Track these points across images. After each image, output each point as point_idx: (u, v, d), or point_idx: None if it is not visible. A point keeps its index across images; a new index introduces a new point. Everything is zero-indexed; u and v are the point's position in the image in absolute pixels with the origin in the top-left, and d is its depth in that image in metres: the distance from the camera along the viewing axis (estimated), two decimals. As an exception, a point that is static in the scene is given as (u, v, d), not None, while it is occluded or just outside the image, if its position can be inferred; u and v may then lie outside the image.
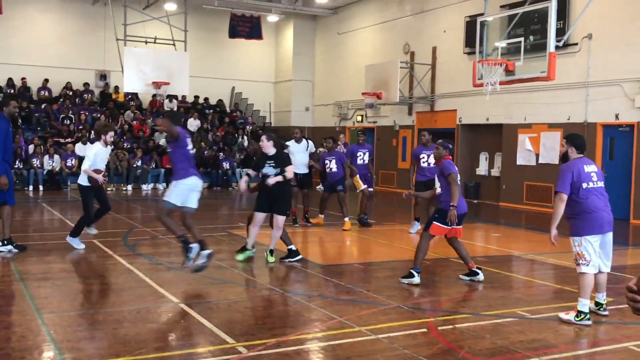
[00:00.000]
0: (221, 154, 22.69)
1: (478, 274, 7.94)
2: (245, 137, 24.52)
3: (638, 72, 14.22)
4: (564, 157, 6.46)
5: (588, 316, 6.18)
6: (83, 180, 9.57)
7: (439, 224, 7.67)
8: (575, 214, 6.25)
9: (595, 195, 6.24)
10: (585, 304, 6.18)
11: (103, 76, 25.22)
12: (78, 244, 9.61)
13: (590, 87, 15.37)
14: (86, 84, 24.68)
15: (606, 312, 6.44)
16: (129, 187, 20.27)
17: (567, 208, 6.26)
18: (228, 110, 26.88)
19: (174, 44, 20.14)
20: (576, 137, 6.54)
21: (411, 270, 7.68)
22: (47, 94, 24.03)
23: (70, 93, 24.27)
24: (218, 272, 8.19)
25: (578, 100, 15.67)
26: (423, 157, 11.69)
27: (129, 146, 21.74)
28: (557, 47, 12.74)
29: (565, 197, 6.18)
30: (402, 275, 7.81)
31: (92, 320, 6.00)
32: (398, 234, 12.10)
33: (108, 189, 19.90)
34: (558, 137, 16.14)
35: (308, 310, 6.53)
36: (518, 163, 17.31)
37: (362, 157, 12.78)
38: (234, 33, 23.69)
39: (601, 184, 6.33)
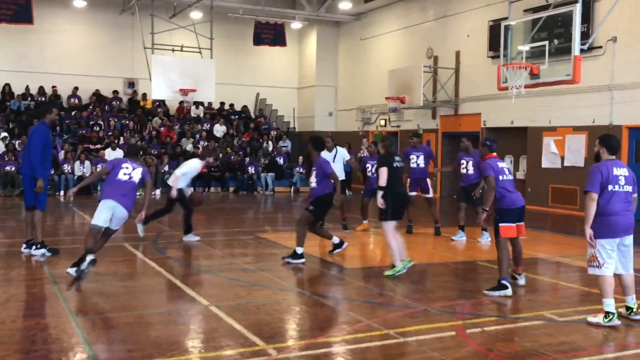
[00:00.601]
0: (247, 158, 22.92)
1: (517, 279, 7.90)
2: (270, 142, 24.74)
3: (664, 74, 14.12)
4: (597, 158, 6.51)
5: (616, 316, 6.20)
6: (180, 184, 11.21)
7: (505, 225, 7.54)
8: (594, 215, 6.25)
9: (618, 199, 6.21)
10: (609, 304, 6.20)
11: (131, 84, 25.67)
12: (192, 237, 11.10)
13: (615, 89, 15.28)
14: (115, 92, 25.14)
15: (638, 316, 6.40)
16: (158, 192, 20.55)
17: None
18: (253, 116, 27.14)
19: (200, 52, 20.44)
20: (609, 138, 6.52)
21: (501, 282, 7.40)
22: (76, 101, 24.52)
23: (99, 100, 24.74)
24: (246, 275, 8.34)
25: (603, 103, 15.59)
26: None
27: (156, 152, 22.08)
28: (581, 51, 12.72)
29: (595, 196, 6.19)
30: (489, 287, 7.52)
31: (124, 322, 6.16)
32: (422, 238, 12.13)
33: (137, 193, 20.20)
34: (583, 140, 16.07)
35: (336, 312, 6.64)
36: (543, 166, 17.25)
37: (416, 161, 12.10)
38: (258, 40, 23.97)
39: (629, 188, 6.29)
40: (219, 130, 24.54)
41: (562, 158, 16.70)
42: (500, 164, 7.82)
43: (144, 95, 25.20)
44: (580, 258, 9.84)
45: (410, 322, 6.25)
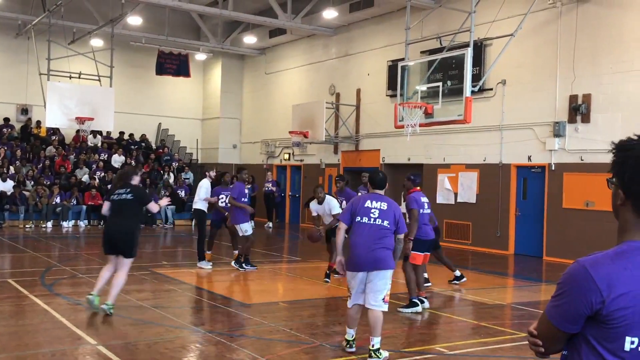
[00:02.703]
0: (146, 190, 22.30)
1: (423, 302, 8.65)
2: (172, 174, 24.27)
3: (548, 117, 15.09)
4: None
5: (351, 344, 6.39)
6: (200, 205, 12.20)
7: (417, 253, 8.48)
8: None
9: (359, 231, 6.15)
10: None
11: (24, 110, 24.53)
12: (206, 264, 11.95)
13: (504, 130, 16.17)
14: (6, 119, 23.92)
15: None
16: (49, 224, 19.64)
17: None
18: (154, 146, 26.58)
19: (99, 80, 19.90)
20: (373, 173, 6.63)
21: (412, 300, 8.32)
22: (-37, 127, 23.14)
23: (-11, 127, 23.48)
24: (138, 312, 8.08)
25: (493, 142, 16.44)
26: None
27: (49, 183, 21.13)
28: (473, 92, 13.43)
29: (344, 226, 6.28)
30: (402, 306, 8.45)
31: (4, 365, 5.81)
32: (322, 272, 12.19)
33: (27, 226, 19.27)
34: (475, 177, 16.83)
35: (230, 350, 6.54)
36: (438, 201, 17.87)
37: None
38: (161, 70, 23.65)
39: (383, 222, 6.15)
40: (117, 160, 23.84)
41: (456, 194, 17.40)
42: (423, 199, 8.69)
43: (38, 122, 24.13)
44: (472, 292, 10.24)
45: (304, 358, 6.24)
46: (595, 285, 1.87)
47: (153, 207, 8.29)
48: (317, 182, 22.18)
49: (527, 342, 2.08)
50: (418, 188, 8.86)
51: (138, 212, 8.22)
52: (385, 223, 6.13)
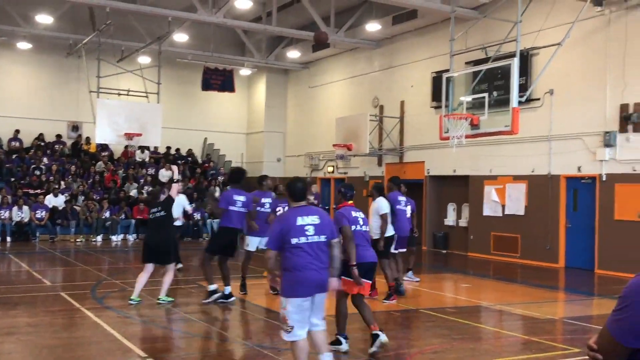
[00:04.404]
0: (192, 204, 22.63)
1: (378, 336, 6.72)
2: (218, 188, 24.56)
3: (597, 126, 14.74)
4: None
5: None
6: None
7: (347, 278, 6.57)
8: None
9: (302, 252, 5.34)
10: None
11: (75, 127, 25.23)
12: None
13: (552, 140, 15.86)
14: (58, 135, 24.65)
15: None
16: (99, 238, 20.08)
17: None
18: (200, 161, 26.98)
19: (147, 96, 20.34)
20: (289, 184, 5.65)
21: (338, 337, 6.80)
22: (18, 144, 23.92)
23: (42, 144, 24.20)
24: (186, 325, 8.16)
25: (541, 153, 16.14)
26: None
27: (99, 197, 21.63)
28: (520, 102, 13.21)
29: (273, 253, 5.40)
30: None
31: (58, 376, 5.92)
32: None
33: (78, 240, 19.75)
34: (523, 189, 16.53)
35: (277, 363, 6.53)
36: (485, 214, 17.62)
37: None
38: (206, 86, 24.02)
39: (320, 238, 5.38)
40: (165, 175, 24.24)
41: (503, 206, 17.11)
42: (354, 213, 7.03)
43: (88, 139, 24.78)
44: (522, 306, 10.03)
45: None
46: None
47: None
48: (361, 194, 22.17)
49: (580, 358, 2.02)
50: (350, 202, 7.18)
51: (171, 223, 9.97)
52: (323, 238, 5.42)
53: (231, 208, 9.51)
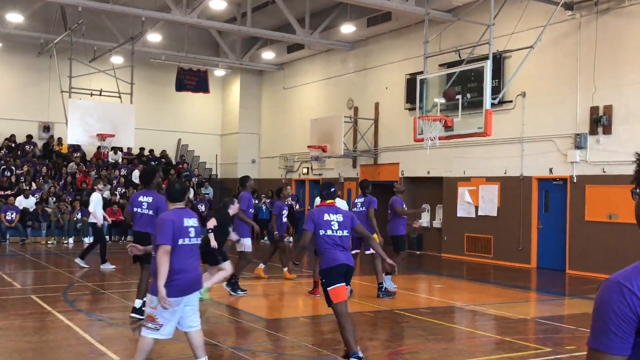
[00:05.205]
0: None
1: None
2: (192, 189, 24.38)
3: (568, 128, 14.97)
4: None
5: None
6: None
7: (333, 287, 6.30)
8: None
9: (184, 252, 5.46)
10: None
11: (47, 128, 24.86)
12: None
13: (525, 142, 16.05)
14: (29, 136, 24.25)
15: None
16: (71, 240, 19.82)
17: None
18: (174, 162, 26.78)
19: (119, 97, 20.13)
20: (170, 185, 5.92)
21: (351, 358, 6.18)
22: (-14, 145, 23.50)
23: (13, 145, 23.80)
24: (161, 328, 8.07)
25: (514, 155, 16.33)
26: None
27: (71, 199, 21.34)
28: (492, 105, 13.35)
29: (168, 248, 5.35)
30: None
31: (28, 381, 5.83)
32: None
33: (49, 242, 19.46)
34: (496, 190, 16.71)
35: (251, 365, 6.50)
36: (458, 215, 17.77)
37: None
38: (180, 86, 23.88)
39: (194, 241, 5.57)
40: (138, 176, 24.01)
41: (476, 208, 17.27)
42: (329, 216, 6.42)
43: (60, 139, 24.44)
44: (495, 306, 10.13)
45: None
46: (633, 293, 1.77)
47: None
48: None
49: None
50: (329, 202, 6.63)
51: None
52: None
53: (136, 210, 8.36)
